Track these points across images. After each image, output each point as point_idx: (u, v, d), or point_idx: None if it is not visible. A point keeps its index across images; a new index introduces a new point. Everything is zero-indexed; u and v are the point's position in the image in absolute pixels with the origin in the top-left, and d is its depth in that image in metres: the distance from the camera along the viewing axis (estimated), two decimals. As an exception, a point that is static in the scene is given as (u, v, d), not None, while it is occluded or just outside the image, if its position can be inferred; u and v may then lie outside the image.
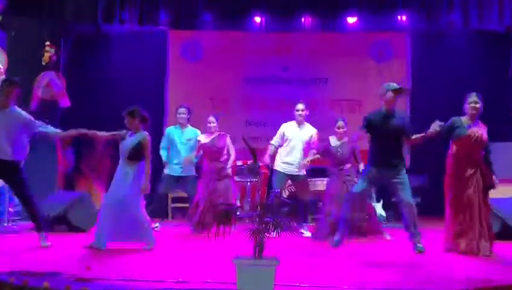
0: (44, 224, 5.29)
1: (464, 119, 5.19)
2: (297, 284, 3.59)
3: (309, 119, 6.67)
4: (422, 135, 5.20)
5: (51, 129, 5.29)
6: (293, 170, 6.48)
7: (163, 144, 6.90)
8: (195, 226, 6.32)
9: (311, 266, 4.36)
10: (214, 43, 9.27)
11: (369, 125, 5.26)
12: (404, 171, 5.29)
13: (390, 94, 5.24)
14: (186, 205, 7.42)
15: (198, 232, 6.22)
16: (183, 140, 6.81)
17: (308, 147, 6.48)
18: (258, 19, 8.73)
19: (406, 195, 5.23)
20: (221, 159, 6.50)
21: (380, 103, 5.33)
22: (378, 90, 8.99)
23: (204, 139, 6.61)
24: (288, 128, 6.57)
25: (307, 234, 6.27)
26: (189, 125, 6.91)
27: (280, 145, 6.55)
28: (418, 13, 8.06)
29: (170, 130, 6.94)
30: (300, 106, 6.52)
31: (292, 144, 6.48)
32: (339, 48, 9.23)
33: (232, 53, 9.29)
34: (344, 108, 9.04)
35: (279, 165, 6.51)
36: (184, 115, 6.81)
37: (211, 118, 6.61)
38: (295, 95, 9.02)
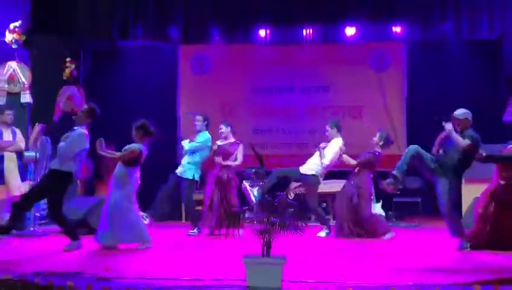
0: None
1: None
2: (303, 281, 3.60)
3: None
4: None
5: None
6: None
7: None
8: (212, 230, 6.35)
9: (317, 263, 4.37)
10: (222, 55, 9.31)
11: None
12: None
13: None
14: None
15: (214, 235, 6.24)
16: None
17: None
18: (262, 32, 8.73)
19: None
20: (229, 160, 6.52)
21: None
22: (378, 97, 9.02)
23: (220, 142, 6.69)
24: None
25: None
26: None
27: None
28: (412, 24, 8.02)
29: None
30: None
31: None
32: (339, 57, 9.20)
33: (239, 64, 9.31)
34: (346, 114, 9.03)
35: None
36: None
37: (221, 126, 6.70)
38: (299, 103, 9.06)
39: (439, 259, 4.64)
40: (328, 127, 6.42)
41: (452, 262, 4.49)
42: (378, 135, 6.38)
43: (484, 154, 5.17)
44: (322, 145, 6.32)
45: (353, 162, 6.35)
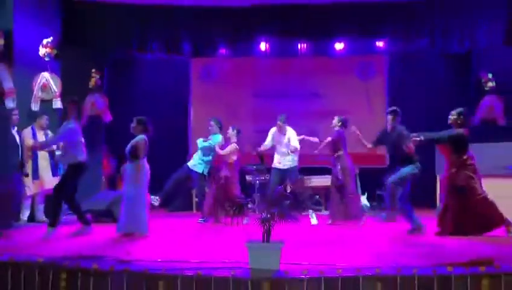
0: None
1: None
2: (299, 263, 3.58)
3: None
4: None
5: None
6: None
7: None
8: (218, 219, 6.28)
9: (311, 248, 4.35)
10: (227, 67, 9.30)
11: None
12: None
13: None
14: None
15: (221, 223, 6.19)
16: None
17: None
18: (262, 46, 8.75)
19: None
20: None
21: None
22: (363, 102, 9.06)
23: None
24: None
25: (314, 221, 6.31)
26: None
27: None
28: (394, 40, 8.11)
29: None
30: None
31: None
32: (330, 68, 9.19)
33: (242, 74, 9.30)
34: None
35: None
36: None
37: (230, 128, 6.78)
38: (294, 107, 9.03)
39: (418, 244, 4.60)
40: (279, 122, 6.79)
41: (429, 246, 4.45)
42: (336, 118, 6.47)
43: (422, 137, 5.15)
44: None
45: (326, 141, 6.49)
